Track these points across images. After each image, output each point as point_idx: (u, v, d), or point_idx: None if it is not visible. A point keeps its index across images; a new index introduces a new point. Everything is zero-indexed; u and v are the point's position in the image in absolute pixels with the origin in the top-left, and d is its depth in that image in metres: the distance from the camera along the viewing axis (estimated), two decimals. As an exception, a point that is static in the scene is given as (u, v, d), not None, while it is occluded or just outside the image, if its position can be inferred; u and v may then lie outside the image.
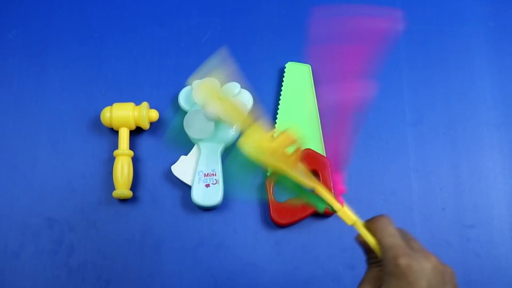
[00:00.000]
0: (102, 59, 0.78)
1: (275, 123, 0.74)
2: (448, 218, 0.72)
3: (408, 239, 0.47)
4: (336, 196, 0.51)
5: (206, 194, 0.69)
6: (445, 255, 0.69)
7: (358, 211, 0.71)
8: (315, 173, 0.71)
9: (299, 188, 0.53)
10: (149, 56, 0.78)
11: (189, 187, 0.71)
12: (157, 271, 0.69)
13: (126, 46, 0.78)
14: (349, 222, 0.50)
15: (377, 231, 0.47)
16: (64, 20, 0.79)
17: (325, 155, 0.71)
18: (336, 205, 0.51)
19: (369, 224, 0.49)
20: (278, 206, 0.69)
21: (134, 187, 0.71)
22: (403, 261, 0.43)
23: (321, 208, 0.53)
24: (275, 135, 0.53)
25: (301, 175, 0.52)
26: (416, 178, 0.73)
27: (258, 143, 0.53)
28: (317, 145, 0.72)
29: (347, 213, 0.50)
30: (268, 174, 0.71)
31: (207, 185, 0.70)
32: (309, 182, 0.52)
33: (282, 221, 0.69)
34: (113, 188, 0.70)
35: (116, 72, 0.77)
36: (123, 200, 0.71)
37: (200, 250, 0.70)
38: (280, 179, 0.54)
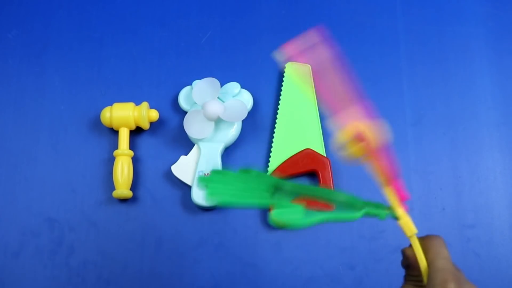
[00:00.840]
0: (102, 59, 0.78)
1: (275, 123, 0.74)
2: (448, 218, 0.72)
3: (456, 268, 0.45)
4: (399, 202, 0.46)
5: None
6: (445, 255, 0.70)
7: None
8: (315, 173, 0.71)
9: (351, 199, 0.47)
10: (149, 56, 0.78)
11: (189, 187, 0.71)
12: (157, 271, 0.69)
13: (126, 46, 0.78)
14: (409, 234, 0.47)
15: (431, 251, 0.45)
16: (64, 20, 0.79)
17: (325, 155, 0.71)
18: (400, 211, 0.46)
19: (423, 241, 0.47)
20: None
21: (134, 187, 0.71)
22: (452, 286, 0.42)
23: (383, 215, 0.46)
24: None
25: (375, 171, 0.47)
26: (416, 178, 0.73)
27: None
28: (317, 145, 0.72)
29: (409, 223, 0.46)
30: (268, 174, 0.71)
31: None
32: (381, 179, 0.46)
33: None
34: (113, 188, 0.70)
35: (116, 72, 0.77)
36: (123, 200, 0.71)
37: (200, 250, 0.70)
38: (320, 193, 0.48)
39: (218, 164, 0.71)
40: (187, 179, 0.71)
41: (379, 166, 0.46)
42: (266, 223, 0.71)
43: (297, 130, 0.73)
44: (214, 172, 0.45)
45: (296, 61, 0.45)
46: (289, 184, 0.45)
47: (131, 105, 0.72)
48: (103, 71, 0.77)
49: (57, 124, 0.75)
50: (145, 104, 0.72)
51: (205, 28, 0.79)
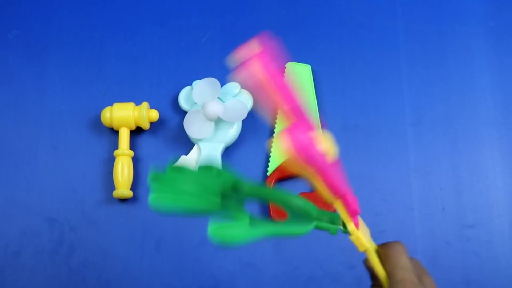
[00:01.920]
0: (102, 59, 0.78)
1: (275, 123, 0.74)
2: (448, 218, 0.72)
3: (420, 273, 0.44)
4: (352, 217, 0.44)
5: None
6: (445, 255, 0.70)
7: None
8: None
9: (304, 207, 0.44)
10: (149, 56, 0.78)
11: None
12: (157, 271, 0.69)
13: (126, 46, 0.78)
14: (361, 249, 0.45)
15: (389, 261, 0.44)
16: (64, 20, 0.79)
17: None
18: (351, 227, 0.44)
19: (382, 250, 0.45)
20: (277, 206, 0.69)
21: (134, 187, 0.72)
22: None
23: (333, 230, 0.44)
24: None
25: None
26: (416, 178, 0.73)
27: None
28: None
29: (360, 239, 0.44)
30: (268, 174, 0.71)
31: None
32: (329, 196, 0.43)
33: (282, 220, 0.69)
34: (114, 188, 0.70)
35: (116, 72, 0.77)
36: (124, 200, 0.72)
37: (200, 250, 0.70)
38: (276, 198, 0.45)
39: (218, 164, 0.71)
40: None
41: (325, 182, 0.42)
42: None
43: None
44: (170, 169, 0.43)
45: (245, 68, 0.42)
46: (247, 186, 0.43)
47: (131, 105, 0.72)
48: (104, 71, 0.77)
49: (58, 124, 0.75)
50: (145, 104, 0.72)
51: (205, 28, 0.79)
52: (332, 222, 0.44)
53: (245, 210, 0.43)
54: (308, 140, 0.41)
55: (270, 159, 0.72)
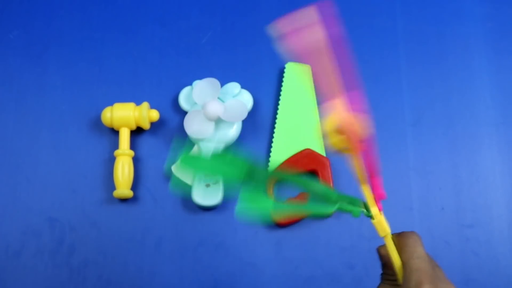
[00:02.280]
0: (103, 59, 0.78)
1: (275, 123, 0.74)
2: (447, 218, 0.72)
3: (433, 265, 0.44)
4: (377, 200, 0.44)
5: (206, 194, 0.70)
6: (444, 255, 0.70)
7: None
8: (315, 173, 0.71)
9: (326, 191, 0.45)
10: (149, 56, 0.78)
11: (189, 187, 0.71)
12: (157, 270, 0.70)
13: (127, 46, 0.78)
14: (382, 234, 0.45)
15: (405, 250, 0.44)
16: (65, 21, 0.79)
17: (325, 155, 0.72)
18: (375, 210, 0.44)
19: (398, 239, 0.45)
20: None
21: (134, 187, 0.72)
22: None
23: (356, 213, 0.44)
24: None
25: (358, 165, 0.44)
26: (415, 178, 0.74)
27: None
28: (317, 145, 0.72)
29: (382, 223, 0.45)
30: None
31: (207, 185, 0.70)
32: (361, 176, 0.44)
33: (282, 220, 0.69)
34: (114, 188, 0.71)
35: (117, 72, 0.77)
36: (124, 200, 0.72)
37: (200, 250, 0.70)
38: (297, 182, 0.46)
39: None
40: (187, 179, 0.71)
41: (359, 162, 0.43)
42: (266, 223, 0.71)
43: (297, 130, 0.74)
44: (185, 156, 0.44)
45: (290, 40, 0.41)
46: (265, 169, 0.43)
47: (131, 105, 0.72)
48: (104, 71, 0.77)
49: (58, 124, 0.75)
50: (145, 104, 0.72)
51: (205, 28, 0.79)
52: (355, 204, 0.44)
53: (267, 195, 0.43)
54: (352, 118, 0.42)
55: (270, 159, 0.72)
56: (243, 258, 0.70)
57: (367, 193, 0.44)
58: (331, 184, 0.70)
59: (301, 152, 0.72)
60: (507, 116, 0.76)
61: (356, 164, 0.43)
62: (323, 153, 0.72)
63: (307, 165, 0.71)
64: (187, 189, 0.69)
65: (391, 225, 0.71)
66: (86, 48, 0.78)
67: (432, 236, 0.71)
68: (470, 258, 0.71)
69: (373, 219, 0.45)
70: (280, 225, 0.70)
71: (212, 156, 0.44)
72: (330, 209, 0.43)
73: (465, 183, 0.73)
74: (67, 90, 0.76)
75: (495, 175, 0.74)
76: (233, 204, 0.72)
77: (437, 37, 0.80)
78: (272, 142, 0.73)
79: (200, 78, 0.73)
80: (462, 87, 0.78)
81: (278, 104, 0.75)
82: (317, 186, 0.44)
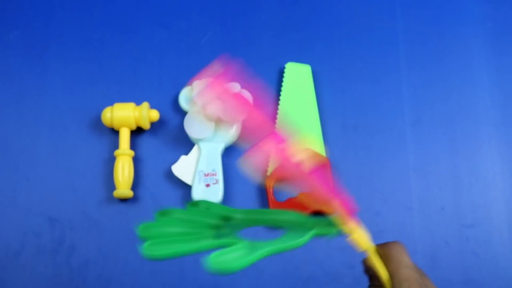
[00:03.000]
0: (103, 59, 0.78)
1: (275, 123, 0.74)
2: (447, 218, 0.72)
3: (420, 274, 0.43)
4: (348, 216, 0.44)
5: (207, 194, 0.70)
6: (444, 255, 0.70)
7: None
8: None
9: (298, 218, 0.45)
10: (149, 56, 0.78)
11: (189, 187, 0.71)
12: (157, 270, 0.70)
13: (127, 46, 0.78)
14: (361, 249, 0.44)
15: (392, 260, 0.43)
16: (65, 21, 0.79)
17: (325, 155, 0.72)
18: (349, 227, 0.44)
19: (382, 250, 0.44)
20: (278, 205, 0.70)
21: (134, 187, 0.72)
22: None
23: (334, 233, 0.44)
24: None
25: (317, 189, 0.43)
26: (415, 178, 0.74)
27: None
28: (317, 145, 0.72)
29: (361, 238, 0.44)
30: (268, 174, 0.71)
31: (207, 185, 0.70)
32: (325, 196, 0.43)
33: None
34: (114, 188, 0.71)
35: (117, 72, 0.77)
36: (124, 200, 0.72)
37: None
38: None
39: (218, 164, 0.71)
40: (187, 179, 0.71)
41: (317, 187, 0.43)
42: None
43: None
44: (159, 214, 0.43)
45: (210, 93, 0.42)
46: (239, 212, 0.43)
47: (131, 105, 0.72)
48: (104, 71, 0.77)
49: (58, 124, 0.75)
50: (145, 104, 0.73)
51: (205, 29, 0.79)
52: (331, 225, 0.44)
53: (241, 237, 0.42)
54: (282, 152, 0.42)
55: (270, 159, 0.72)
56: (243, 258, 0.70)
57: (337, 212, 0.43)
58: (331, 184, 0.70)
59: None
60: (507, 116, 0.76)
61: (315, 191, 0.42)
62: (323, 153, 0.72)
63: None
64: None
65: (391, 225, 0.72)
66: (86, 48, 0.78)
67: (432, 236, 0.71)
68: (470, 258, 0.71)
69: (351, 235, 0.44)
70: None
71: (187, 206, 0.44)
72: (306, 238, 0.43)
73: (465, 183, 0.74)
74: (67, 90, 0.76)
75: (495, 175, 0.74)
76: (233, 204, 0.72)
77: (437, 38, 0.80)
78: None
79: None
80: (461, 87, 0.78)
81: (278, 104, 0.75)
82: (291, 215, 0.43)
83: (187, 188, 0.72)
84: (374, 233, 0.71)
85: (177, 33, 0.79)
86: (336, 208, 0.43)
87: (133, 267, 0.70)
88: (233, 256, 0.40)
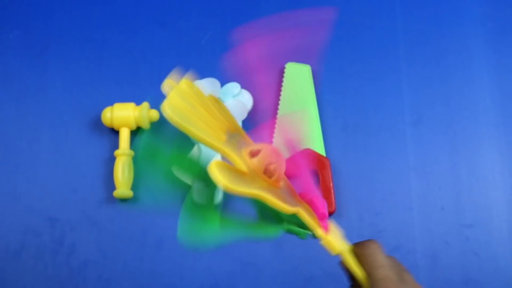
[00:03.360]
0: (103, 59, 0.78)
1: (275, 123, 0.74)
2: (447, 218, 0.72)
3: (399, 270, 0.43)
4: (320, 221, 0.44)
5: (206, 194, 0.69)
6: (444, 255, 0.70)
7: (357, 211, 0.72)
8: (315, 173, 0.71)
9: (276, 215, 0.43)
10: (149, 56, 0.78)
11: (189, 187, 0.71)
12: (157, 270, 0.70)
13: (127, 46, 0.78)
14: (334, 253, 0.44)
15: (367, 260, 0.43)
16: (65, 21, 0.79)
17: (325, 155, 0.72)
18: (319, 232, 0.44)
19: (358, 249, 0.44)
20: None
21: (134, 187, 0.72)
22: None
23: (303, 235, 0.44)
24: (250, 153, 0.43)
25: (282, 198, 0.41)
26: (415, 178, 0.74)
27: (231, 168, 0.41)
28: (317, 145, 0.72)
29: (331, 243, 0.44)
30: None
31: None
32: (290, 205, 0.41)
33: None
34: (114, 188, 0.71)
35: (117, 72, 0.77)
36: (124, 200, 0.72)
37: (200, 250, 0.70)
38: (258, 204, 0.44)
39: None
40: (187, 179, 0.71)
41: (289, 190, 0.42)
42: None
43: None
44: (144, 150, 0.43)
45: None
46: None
47: (131, 105, 0.72)
48: (104, 71, 0.77)
49: (59, 124, 0.75)
50: (145, 104, 0.73)
51: (205, 29, 0.79)
52: (302, 226, 0.43)
53: (216, 208, 0.42)
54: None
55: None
56: (243, 258, 0.70)
57: (306, 217, 0.43)
58: (331, 184, 0.70)
59: (301, 152, 0.72)
60: (507, 116, 0.76)
61: (271, 201, 0.41)
62: (323, 153, 0.72)
63: (307, 165, 0.71)
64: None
65: (391, 225, 0.72)
66: (86, 48, 0.78)
67: (432, 236, 0.71)
68: (470, 258, 0.71)
69: (321, 240, 0.44)
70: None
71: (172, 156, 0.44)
72: (277, 230, 0.42)
73: (465, 183, 0.74)
74: (67, 90, 0.76)
75: (495, 175, 0.74)
76: (233, 204, 0.72)
77: (437, 38, 0.80)
78: (272, 142, 0.73)
79: (200, 78, 0.73)
80: (461, 87, 0.78)
81: (278, 104, 0.75)
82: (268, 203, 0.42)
83: (187, 188, 0.71)
84: (374, 233, 0.71)
85: (177, 33, 0.79)
86: (306, 212, 0.43)
87: (133, 267, 0.70)
88: (204, 233, 0.40)
